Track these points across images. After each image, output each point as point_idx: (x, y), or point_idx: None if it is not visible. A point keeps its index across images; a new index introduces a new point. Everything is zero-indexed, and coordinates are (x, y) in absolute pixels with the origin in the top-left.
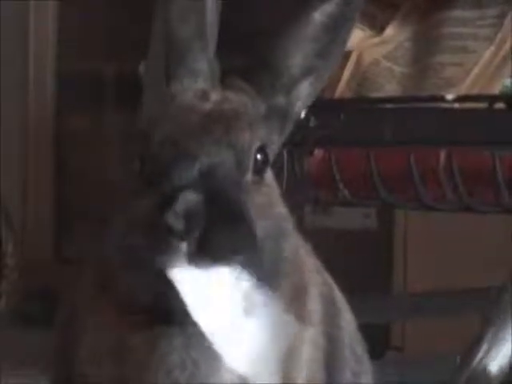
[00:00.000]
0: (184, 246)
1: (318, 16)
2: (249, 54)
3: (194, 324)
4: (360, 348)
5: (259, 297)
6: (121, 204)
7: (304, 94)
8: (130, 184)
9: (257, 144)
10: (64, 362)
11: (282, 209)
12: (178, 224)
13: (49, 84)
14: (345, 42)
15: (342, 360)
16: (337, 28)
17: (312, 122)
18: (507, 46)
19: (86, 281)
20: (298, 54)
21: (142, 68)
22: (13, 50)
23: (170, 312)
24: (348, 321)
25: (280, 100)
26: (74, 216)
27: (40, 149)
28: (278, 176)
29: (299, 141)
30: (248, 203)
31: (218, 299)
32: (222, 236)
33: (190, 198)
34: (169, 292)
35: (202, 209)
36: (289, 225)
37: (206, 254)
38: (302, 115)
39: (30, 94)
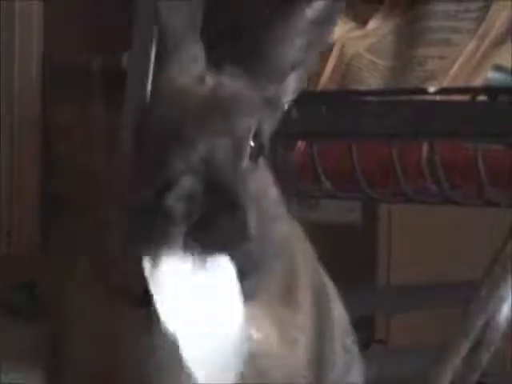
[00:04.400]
0: (181, 230)
1: (310, 11)
2: (243, 44)
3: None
4: (350, 340)
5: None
6: (110, 193)
7: (292, 86)
8: (123, 170)
9: (253, 130)
10: (53, 352)
11: (274, 194)
12: (177, 208)
13: (34, 77)
14: (330, 34)
15: (332, 354)
16: (324, 22)
17: (294, 115)
18: (490, 39)
19: (73, 270)
20: (290, 47)
21: (125, 58)
22: None
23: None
24: (339, 312)
25: (271, 91)
26: (62, 208)
27: (27, 145)
28: None
29: (282, 133)
30: (244, 191)
31: (194, 290)
32: (218, 224)
33: (190, 184)
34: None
35: (201, 195)
36: (281, 209)
37: (202, 240)
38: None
39: (16, 86)
